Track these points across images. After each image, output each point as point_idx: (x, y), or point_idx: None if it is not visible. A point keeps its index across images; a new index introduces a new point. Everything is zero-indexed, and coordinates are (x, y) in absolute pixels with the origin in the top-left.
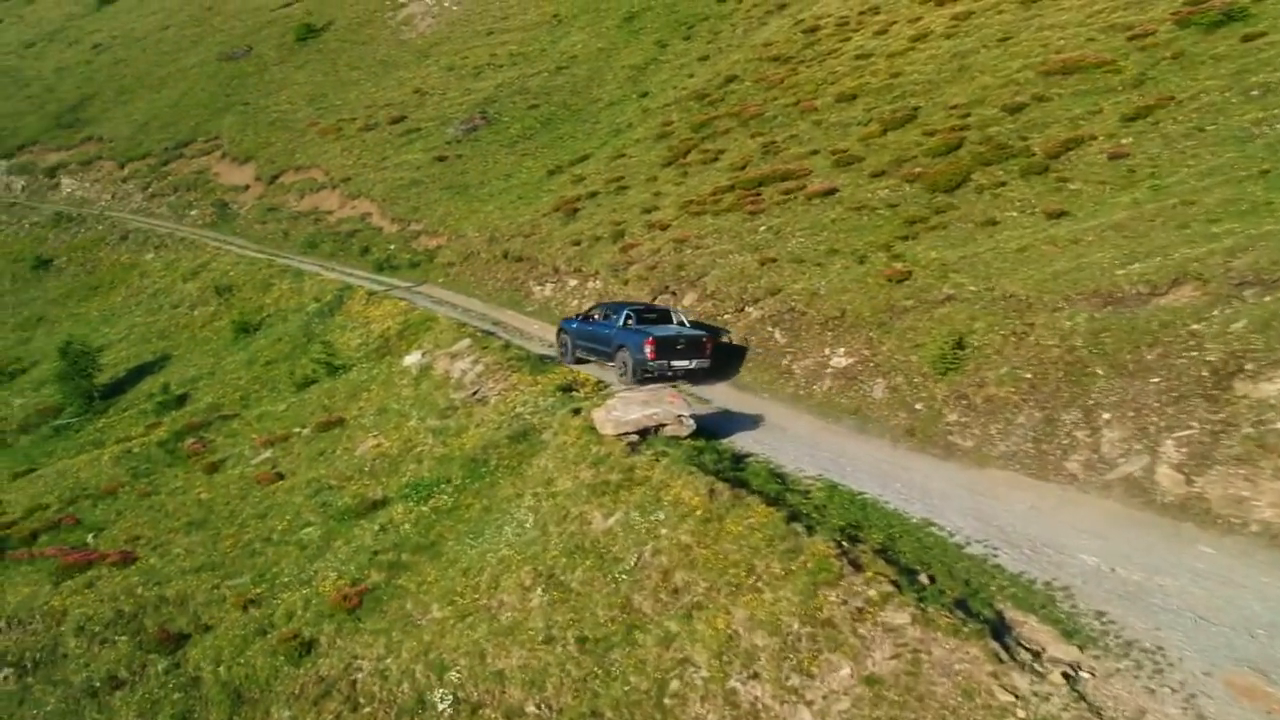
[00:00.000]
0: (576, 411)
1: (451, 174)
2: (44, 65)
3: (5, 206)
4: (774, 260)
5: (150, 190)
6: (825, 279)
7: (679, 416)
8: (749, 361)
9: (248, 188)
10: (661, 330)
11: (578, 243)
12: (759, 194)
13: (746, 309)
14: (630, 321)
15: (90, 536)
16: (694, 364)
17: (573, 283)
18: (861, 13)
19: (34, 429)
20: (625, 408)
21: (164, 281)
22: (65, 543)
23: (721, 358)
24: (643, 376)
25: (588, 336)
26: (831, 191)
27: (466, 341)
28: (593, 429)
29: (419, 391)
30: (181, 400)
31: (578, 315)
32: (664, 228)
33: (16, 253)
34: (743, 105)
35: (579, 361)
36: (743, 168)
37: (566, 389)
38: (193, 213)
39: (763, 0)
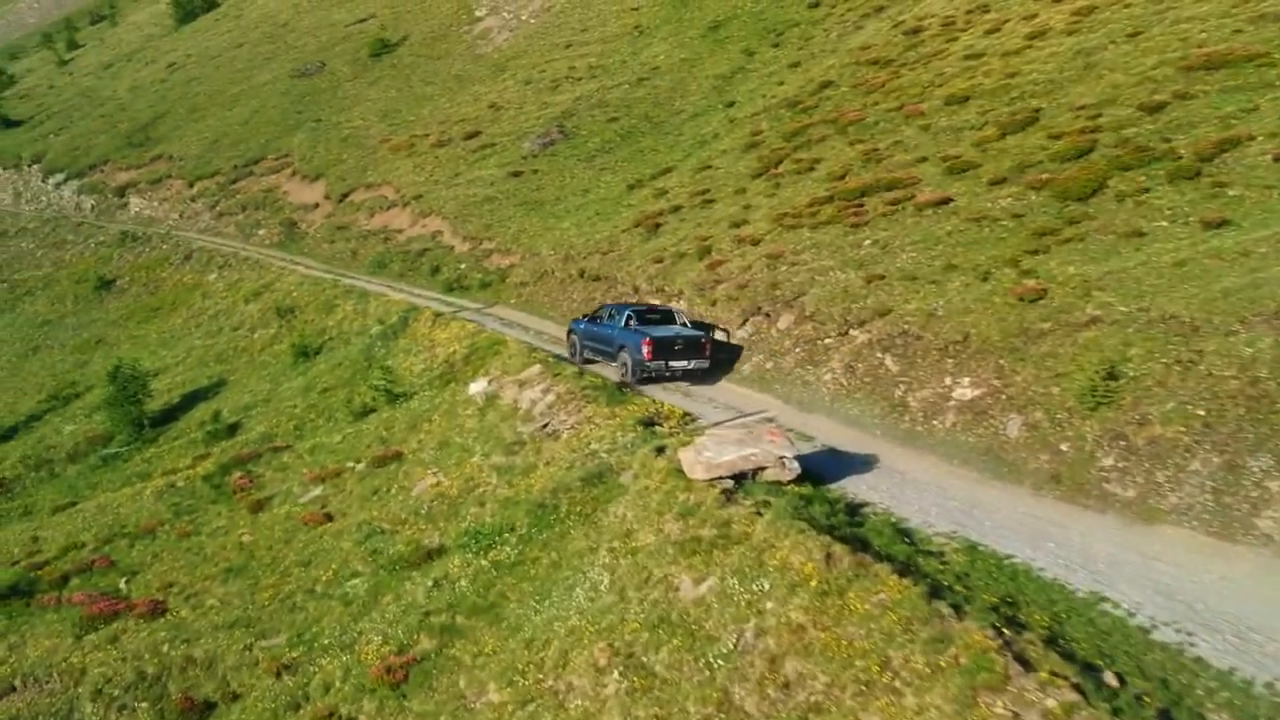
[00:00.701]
0: (660, 450)
1: (526, 190)
2: (119, 85)
3: (73, 226)
4: (881, 278)
5: (218, 209)
6: (943, 298)
7: (781, 458)
8: (855, 394)
9: (317, 206)
10: (659, 331)
11: (660, 260)
12: (861, 205)
13: (851, 332)
14: (631, 322)
15: (123, 582)
16: (692, 364)
17: (654, 303)
18: (969, 11)
19: (82, 458)
20: (718, 448)
21: (225, 303)
22: (96, 588)
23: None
24: (642, 377)
25: (593, 337)
26: (945, 201)
27: (537, 368)
28: (680, 472)
29: (484, 423)
30: (233, 429)
31: (585, 316)
32: (755, 243)
33: (81, 273)
34: (839, 111)
35: (587, 362)
36: (842, 177)
37: (648, 423)
38: (260, 232)
39: (858, 4)
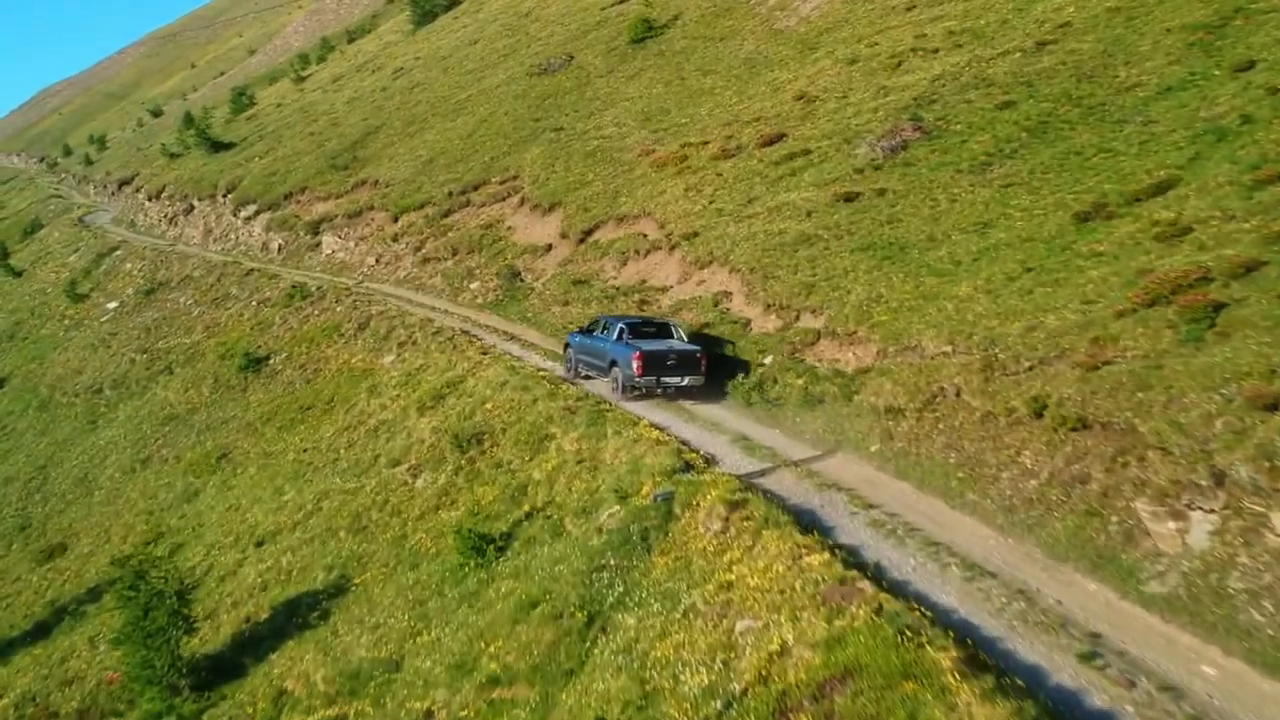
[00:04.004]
0: None
1: (869, 223)
2: (339, 98)
3: (239, 277)
4: None
5: (423, 252)
6: None
7: None
8: None
9: (549, 249)
10: (651, 345)
11: (1274, 406)
12: None
13: None
14: (624, 336)
15: None
16: (686, 380)
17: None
18: None
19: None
20: None
21: (394, 408)
22: None
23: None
24: (633, 395)
25: (587, 351)
26: None
27: None
28: None
29: None
30: None
31: (581, 328)
32: None
33: (231, 344)
34: None
35: (584, 378)
36: None
37: None
38: (472, 285)
39: None
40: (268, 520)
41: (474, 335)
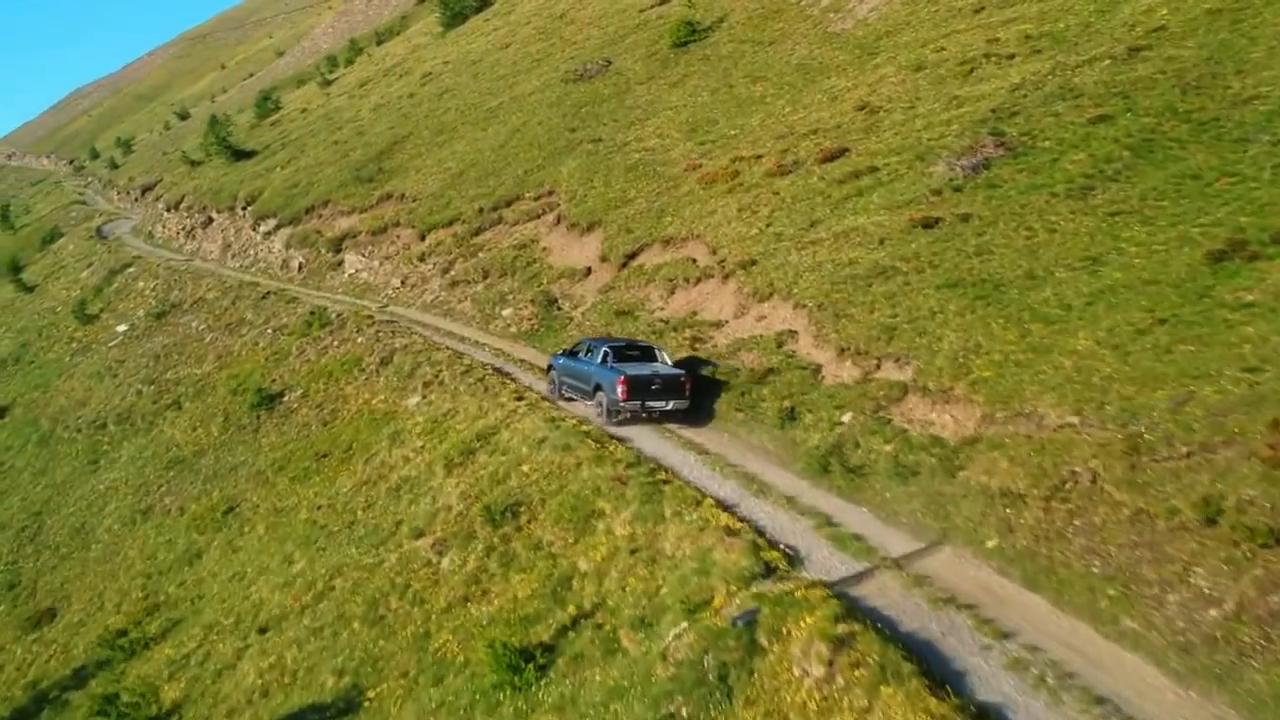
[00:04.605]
0: None
1: (954, 254)
2: (365, 104)
3: (255, 301)
4: None
5: (452, 274)
6: None
7: None
8: None
9: (588, 272)
10: (635, 369)
11: None
12: None
13: None
14: (608, 359)
15: None
16: (671, 405)
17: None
18: None
19: None
20: None
21: (419, 462)
22: None
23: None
24: (618, 419)
25: (571, 373)
26: None
27: None
28: None
29: None
30: None
31: (565, 350)
32: None
33: (243, 377)
34: None
35: (567, 400)
36: None
37: None
38: (505, 312)
39: None
40: (274, 598)
41: (507, 373)
